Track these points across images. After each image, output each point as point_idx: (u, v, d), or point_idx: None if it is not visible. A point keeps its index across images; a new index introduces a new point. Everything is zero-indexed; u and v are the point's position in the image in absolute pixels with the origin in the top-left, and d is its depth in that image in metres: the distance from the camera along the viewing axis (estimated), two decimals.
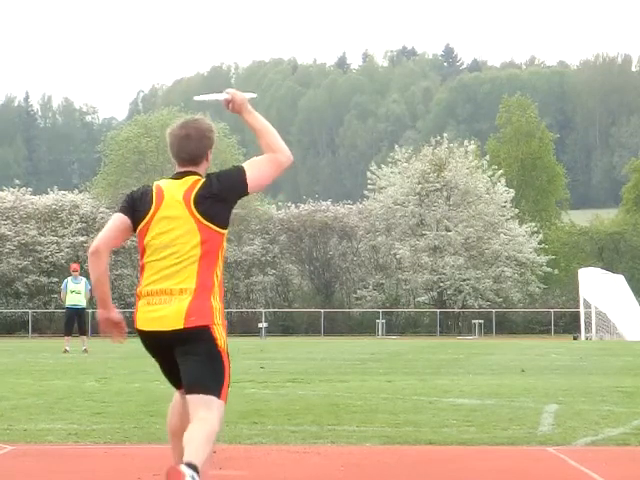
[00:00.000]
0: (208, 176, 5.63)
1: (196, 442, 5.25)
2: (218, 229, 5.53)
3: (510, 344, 37.83)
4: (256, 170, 5.66)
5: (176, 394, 5.78)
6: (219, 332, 5.47)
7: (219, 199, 5.53)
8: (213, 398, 5.42)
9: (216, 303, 5.46)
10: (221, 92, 5.78)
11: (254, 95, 6.05)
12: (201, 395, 5.41)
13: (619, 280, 51.28)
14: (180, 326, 5.39)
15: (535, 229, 60.56)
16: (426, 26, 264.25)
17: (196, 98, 5.92)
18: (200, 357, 5.42)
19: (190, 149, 5.64)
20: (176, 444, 5.66)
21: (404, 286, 59.81)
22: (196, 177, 5.61)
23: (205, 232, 5.48)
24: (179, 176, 5.65)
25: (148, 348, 5.69)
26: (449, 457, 8.23)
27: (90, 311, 50.32)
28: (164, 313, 5.46)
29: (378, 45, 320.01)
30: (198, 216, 5.48)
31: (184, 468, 5.10)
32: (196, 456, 5.19)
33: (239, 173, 5.66)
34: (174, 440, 5.75)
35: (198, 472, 5.13)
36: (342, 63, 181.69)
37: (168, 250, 5.51)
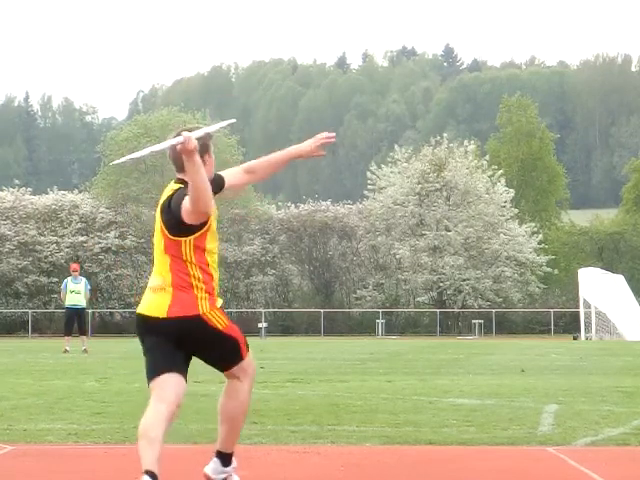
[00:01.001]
0: (181, 188, 5.88)
1: (238, 426, 6.40)
2: (170, 236, 5.87)
3: (510, 344, 37.83)
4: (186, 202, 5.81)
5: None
6: (214, 317, 5.92)
7: (172, 212, 5.83)
8: (244, 362, 6.16)
9: (202, 294, 5.87)
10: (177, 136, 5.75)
11: (233, 121, 6.31)
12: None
13: (619, 280, 51.27)
14: (164, 315, 5.87)
15: (535, 229, 60.56)
16: (426, 26, 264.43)
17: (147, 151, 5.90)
18: (205, 346, 6.12)
19: (179, 158, 5.81)
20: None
21: (404, 286, 59.80)
22: (178, 186, 5.92)
23: (165, 238, 5.91)
24: (174, 182, 6.02)
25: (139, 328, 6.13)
26: (449, 457, 8.23)
27: (90, 311, 50.40)
28: (155, 304, 5.94)
29: (378, 45, 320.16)
30: (161, 223, 5.93)
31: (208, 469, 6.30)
32: (233, 442, 6.41)
33: (182, 198, 5.84)
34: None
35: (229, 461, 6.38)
36: (342, 63, 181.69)
37: (154, 249, 6.07)
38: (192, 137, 5.51)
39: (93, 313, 55.10)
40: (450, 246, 57.56)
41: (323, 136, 6.50)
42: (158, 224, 5.95)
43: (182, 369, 6.05)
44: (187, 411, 11.32)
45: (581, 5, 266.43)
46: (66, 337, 28.46)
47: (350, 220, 60.67)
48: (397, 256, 58.54)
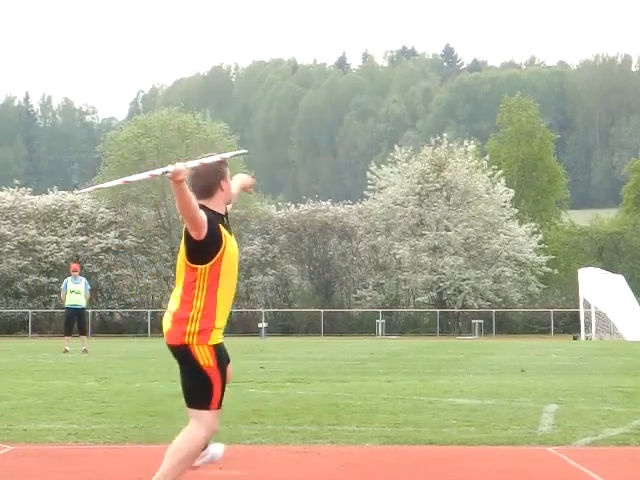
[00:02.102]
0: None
1: (169, 461, 6.01)
2: (189, 263, 6.04)
3: (510, 344, 37.83)
4: None
5: None
6: (199, 351, 6.03)
7: (186, 232, 6.00)
8: (203, 413, 6.07)
9: (193, 328, 6.01)
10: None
11: (245, 151, 6.76)
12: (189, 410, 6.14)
13: (619, 280, 51.26)
14: (165, 339, 6.17)
15: (535, 229, 60.56)
16: (426, 26, 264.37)
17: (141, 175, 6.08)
18: (183, 375, 6.19)
19: (198, 184, 6.06)
20: None
21: (404, 286, 59.79)
22: None
23: (186, 265, 6.06)
24: None
25: None
26: (449, 457, 8.23)
27: (90, 311, 50.38)
28: (164, 327, 6.24)
29: (378, 45, 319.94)
30: (184, 248, 6.07)
31: None
32: (163, 477, 5.97)
33: None
34: None
35: None
36: (342, 63, 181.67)
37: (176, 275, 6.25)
38: (183, 169, 5.65)
39: (93, 313, 55.09)
40: (450, 246, 57.56)
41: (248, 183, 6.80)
42: (181, 250, 6.10)
43: None
44: (187, 411, 11.32)
45: (581, 5, 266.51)
46: (66, 337, 28.45)
47: (350, 220, 60.66)
48: (397, 256, 58.53)
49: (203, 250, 5.96)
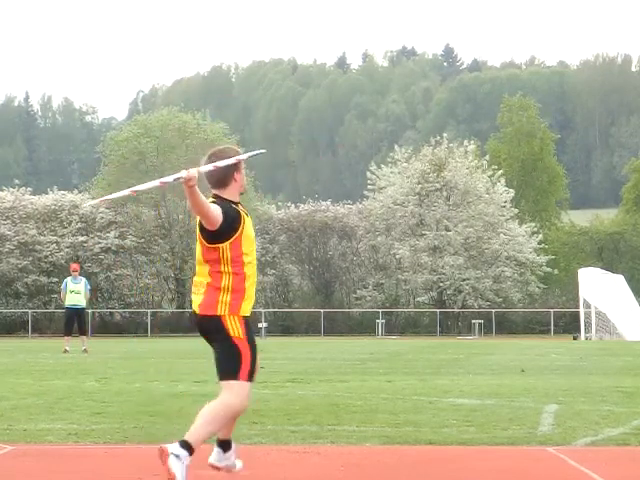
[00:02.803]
0: (213, 202, 6.45)
1: (198, 421, 6.28)
2: (207, 245, 6.45)
3: (510, 344, 37.83)
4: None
5: None
6: (231, 322, 6.33)
7: (201, 224, 6.44)
8: (235, 382, 6.34)
9: (225, 297, 6.34)
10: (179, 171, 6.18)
11: (264, 151, 7.18)
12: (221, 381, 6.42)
13: (619, 280, 51.26)
14: (197, 311, 6.50)
15: (535, 229, 60.56)
16: (426, 26, 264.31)
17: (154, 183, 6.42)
18: (214, 350, 6.48)
19: (214, 176, 6.47)
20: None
21: (404, 286, 59.81)
22: (212, 200, 6.48)
23: (204, 247, 6.48)
24: (211, 197, 6.53)
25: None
26: (449, 457, 8.23)
27: (90, 311, 50.37)
28: (195, 301, 6.55)
29: (378, 45, 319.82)
30: (199, 235, 6.50)
31: (169, 446, 6.17)
32: (193, 434, 6.23)
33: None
34: None
35: (190, 449, 6.20)
36: (342, 63, 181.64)
37: (196, 259, 6.67)
38: (195, 175, 6.04)
39: (93, 313, 55.09)
40: (450, 246, 57.56)
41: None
42: (197, 236, 6.52)
43: None
44: (187, 411, 11.32)
45: (581, 5, 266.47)
46: (66, 337, 28.45)
47: (350, 220, 60.67)
48: (397, 256, 58.53)
49: (220, 234, 6.35)
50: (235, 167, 6.48)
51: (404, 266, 58.37)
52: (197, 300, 6.44)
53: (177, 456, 6.15)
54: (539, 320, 57.89)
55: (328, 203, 62.31)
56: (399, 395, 13.41)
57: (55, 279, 54.65)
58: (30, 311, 55.72)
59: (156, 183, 6.23)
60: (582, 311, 50.23)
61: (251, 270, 6.46)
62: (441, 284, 57.51)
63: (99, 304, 57.78)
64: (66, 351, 27.28)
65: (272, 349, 30.16)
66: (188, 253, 58.19)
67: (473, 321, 54.49)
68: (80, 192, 62.41)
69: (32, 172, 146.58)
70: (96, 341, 39.45)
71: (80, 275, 29.73)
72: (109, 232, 58.02)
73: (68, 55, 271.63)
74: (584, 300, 50.12)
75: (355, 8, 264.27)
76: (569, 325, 55.41)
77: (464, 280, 57.08)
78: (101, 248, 57.67)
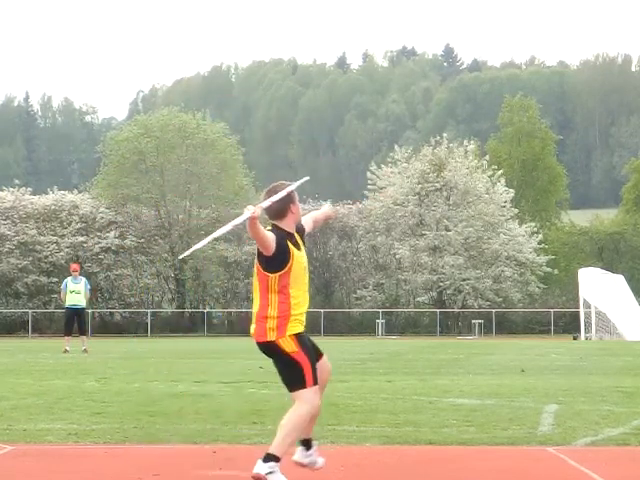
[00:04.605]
0: (270, 229, 7.17)
1: (280, 434, 6.92)
2: (262, 271, 7.08)
3: (510, 344, 37.83)
4: None
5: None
6: (283, 342, 7.02)
7: (259, 251, 7.11)
8: (304, 391, 7.02)
9: (272, 324, 7.02)
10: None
11: (307, 178, 7.90)
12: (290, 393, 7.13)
13: (619, 280, 51.26)
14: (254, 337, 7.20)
15: (535, 229, 60.56)
16: (426, 26, 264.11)
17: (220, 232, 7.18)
18: (277, 366, 7.23)
19: (273, 208, 7.19)
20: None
21: (404, 286, 59.79)
22: (269, 228, 7.19)
23: (259, 273, 7.11)
24: (269, 226, 7.24)
25: None
26: (449, 457, 8.23)
27: (90, 311, 50.36)
28: (252, 327, 7.23)
29: (378, 45, 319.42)
30: (257, 261, 7.13)
31: (258, 469, 6.77)
32: (277, 448, 6.86)
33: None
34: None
35: (276, 458, 6.82)
36: (342, 63, 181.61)
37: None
38: (258, 213, 6.80)
39: (93, 313, 55.08)
40: (450, 246, 57.55)
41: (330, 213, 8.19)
42: (255, 262, 7.16)
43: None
44: (187, 411, 11.32)
45: (581, 5, 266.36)
46: (66, 337, 28.44)
47: (350, 220, 60.66)
48: (397, 256, 58.53)
49: (273, 263, 7.02)
50: (290, 199, 7.24)
51: (404, 266, 58.36)
52: (252, 327, 7.17)
53: (270, 472, 6.77)
54: (539, 320, 57.88)
55: (328, 203, 62.25)
56: (399, 395, 13.41)
57: (55, 279, 54.64)
58: (30, 311, 55.71)
59: (229, 227, 6.93)
60: (582, 311, 50.23)
61: (298, 295, 7.11)
62: (441, 284, 57.51)
63: (99, 304, 57.77)
64: (66, 351, 27.28)
65: None
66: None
67: (473, 321, 54.48)
68: (80, 192, 62.42)
69: (32, 172, 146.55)
70: (96, 341, 39.45)
71: (80, 275, 29.72)
72: (109, 232, 58.00)
73: (68, 55, 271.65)
74: (584, 300, 50.12)
75: (355, 8, 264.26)
76: (569, 325, 55.39)
77: (464, 280, 57.07)
78: (101, 248, 57.66)
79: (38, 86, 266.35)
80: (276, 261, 7.02)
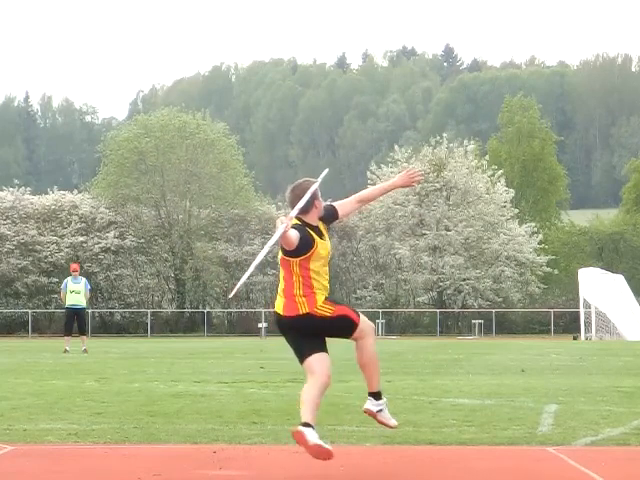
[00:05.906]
0: (297, 224, 7.47)
1: (368, 371, 7.60)
2: (284, 256, 7.49)
3: (510, 344, 37.82)
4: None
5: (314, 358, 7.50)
6: (319, 311, 7.37)
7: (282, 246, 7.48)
8: (358, 328, 7.52)
9: (300, 300, 7.40)
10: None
11: (327, 170, 8.15)
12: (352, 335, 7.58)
13: (619, 280, 51.26)
14: (282, 313, 7.52)
15: (535, 229, 60.56)
16: (426, 26, 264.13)
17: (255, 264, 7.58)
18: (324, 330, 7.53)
19: (294, 202, 7.54)
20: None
21: (404, 286, 59.80)
22: (296, 222, 7.47)
23: (282, 258, 7.53)
24: (295, 218, 7.50)
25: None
26: (449, 457, 8.23)
27: (90, 311, 50.37)
28: (278, 304, 7.61)
29: (378, 45, 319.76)
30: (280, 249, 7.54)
31: (371, 404, 7.71)
32: (377, 383, 7.64)
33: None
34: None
35: (380, 396, 7.69)
36: (342, 63, 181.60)
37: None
38: (289, 223, 7.16)
39: (93, 313, 55.09)
40: (450, 246, 57.57)
41: (412, 172, 8.16)
42: (280, 249, 7.53)
43: (320, 349, 7.47)
44: (187, 411, 11.32)
45: (581, 5, 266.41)
46: (66, 337, 28.46)
47: (350, 220, 60.66)
48: (397, 256, 58.54)
49: (295, 252, 7.41)
50: (314, 196, 7.61)
51: (404, 266, 58.37)
52: (280, 303, 7.52)
53: (380, 410, 7.69)
54: (539, 320, 57.89)
55: (328, 203, 62.26)
56: (399, 395, 13.40)
57: (55, 279, 54.66)
58: (30, 311, 55.72)
59: (267, 249, 7.27)
60: (582, 311, 50.24)
61: (319, 278, 7.46)
62: (441, 284, 57.52)
63: (99, 304, 57.78)
64: (66, 351, 27.28)
65: (272, 349, 30.14)
66: (188, 253, 58.22)
67: (473, 321, 54.49)
68: (80, 192, 62.42)
69: (32, 172, 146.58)
70: (96, 341, 39.44)
71: (80, 275, 29.72)
72: (109, 232, 58.02)
73: (68, 55, 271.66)
74: (584, 300, 50.13)
75: (355, 8, 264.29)
76: (569, 325, 55.41)
77: (464, 280, 57.08)
78: (101, 248, 57.67)
79: (38, 86, 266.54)
80: (297, 251, 7.39)
